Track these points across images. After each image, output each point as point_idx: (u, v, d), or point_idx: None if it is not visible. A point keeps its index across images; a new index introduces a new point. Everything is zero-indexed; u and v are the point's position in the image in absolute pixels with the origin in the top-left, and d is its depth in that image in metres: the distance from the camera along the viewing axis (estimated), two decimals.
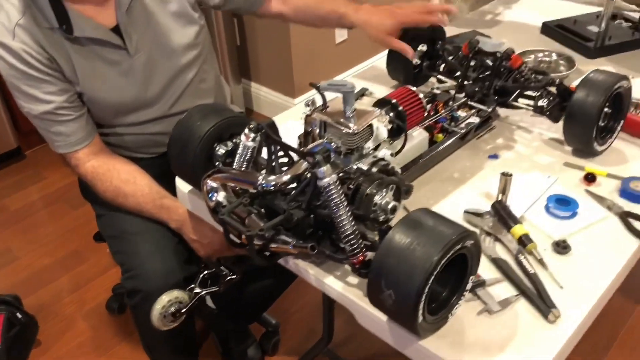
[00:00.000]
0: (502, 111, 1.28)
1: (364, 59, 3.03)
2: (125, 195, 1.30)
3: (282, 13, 1.46)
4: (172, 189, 1.23)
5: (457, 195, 1.08)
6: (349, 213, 0.84)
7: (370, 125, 0.97)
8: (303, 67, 2.72)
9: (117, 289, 1.97)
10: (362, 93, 1.39)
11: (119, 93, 1.31)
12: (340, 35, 2.83)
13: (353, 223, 0.84)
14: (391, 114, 1.03)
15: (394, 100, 1.04)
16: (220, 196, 0.94)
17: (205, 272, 0.87)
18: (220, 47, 2.65)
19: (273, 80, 2.80)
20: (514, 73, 1.21)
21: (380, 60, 1.49)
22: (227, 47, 2.65)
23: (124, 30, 1.26)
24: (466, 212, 1.02)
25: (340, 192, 0.83)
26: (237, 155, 0.96)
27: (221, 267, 0.88)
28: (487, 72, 1.21)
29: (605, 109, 1.15)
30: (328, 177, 0.82)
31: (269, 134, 0.91)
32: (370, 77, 1.50)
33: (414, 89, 1.07)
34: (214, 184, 0.94)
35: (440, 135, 1.15)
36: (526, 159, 1.17)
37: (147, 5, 1.28)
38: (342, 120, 0.95)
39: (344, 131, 0.94)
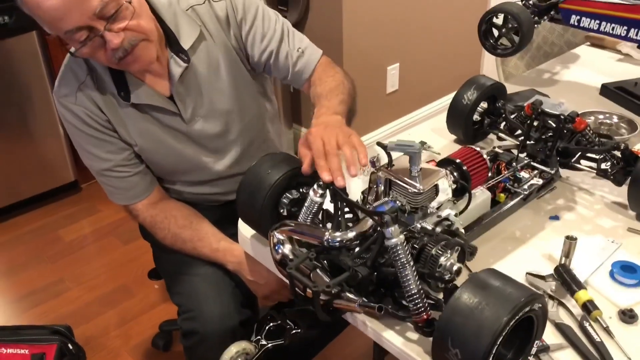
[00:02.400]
0: (563, 172, 1.27)
1: (413, 109, 3.04)
2: (183, 241, 1.34)
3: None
4: (230, 232, 1.25)
5: (518, 256, 1.08)
6: (415, 272, 0.85)
7: (435, 185, 0.98)
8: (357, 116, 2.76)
9: (164, 327, 2.00)
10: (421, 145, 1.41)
11: (175, 157, 1.35)
12: (391, 85, 2.87)
13: (418, 282, 0.85)
14: (455, 174, 1.04)
15: (458, 160, 1.06)
16: (287, 249, 0.95)
17: (271, 324, 0.89)
18: (274, 93, 2.72)
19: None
20: (577, 135, 1.21)
21: (436, 117, 1.52)
22: (281, 93, 2.72)
23: (178, 99, 1.29)
24: (528, 274, 1.01)
25: (407, 252, 0.84)
26: (304, 209, 0.99)
27: (287, 321, 0.90)
28: (550, 133, 1.22)
29: None
30: (396, 237, 0.84)
31: (337, 191, 0.93)
32: (428, 130, 1.52)
33: (477, 149, 1.08)
34: (281, 236, 0.96)
35: (502, 195, 1.15)
36: (588, 221, 1.16)
37: (200, 73, 1.29)
38: (407, 179, 0.96)
39: (409, 190, 0.96)
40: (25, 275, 2.37)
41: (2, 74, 2.41)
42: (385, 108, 2.92)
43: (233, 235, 1.26)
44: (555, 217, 1.17)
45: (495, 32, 1.65)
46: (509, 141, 1.33)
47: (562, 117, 1.20)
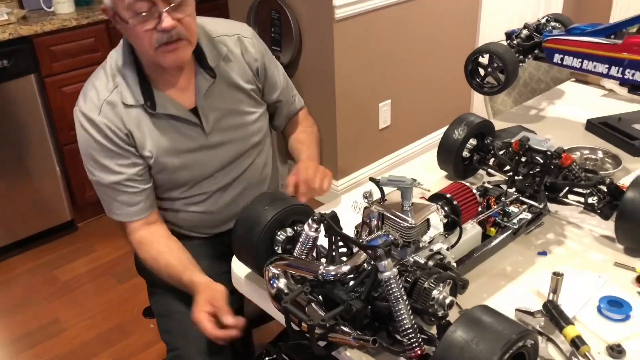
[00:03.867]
0: (551, 206, 1.30)
1: (405, 144, 3.11)
2: (159, 266, 1.36)
3: (285, 135, 1.66)
4: (222, 270, 1.27)
5: (509, 291, 1.10)
6: (408, 306, 0.87)
7: (427, 220, 1.01)
8: (347, 151, 2.81)
9: None
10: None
11: (190, 165, 1.41)
12: (384, 121, 2.93)
13: (412, 317, 0.87)
14: (446, 208, 1.07)
15: (448, 195, 1.09)
16: (282, 283, 0.98)
17: (267, 358, 0.90)
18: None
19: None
20: (564, 171, 1.25)
21: (427, 153, 1.55)
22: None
23: (201, 112, 1.39)
24: (517, 310, 1.03)
25: (400, 285, 0.87)
26: (299, 244, 1.01)
27: (282, 355, 0.91)
28: (537, 169, 1.25)
29: None
30: (389, 270, 0.86)
31: (331, 224, 0.96)
32: (419, 166, 1.55)
33: (467, 184, 1.12)
34: (276, 271, 0.98)
35: (493, 230, 1.18)
36: (577, 256, 1.19)
37: (222, 90, 1.41)
38: (400, 213, 0.99)
39: (402, 224, 0.98)
40: (21, 317, 2.36)
41: (1, 115, 2.44)
42: (378, 144, 2.97)
43: (226, 273, 1.28)
44: (544, 253, 1.19)
45: (482, 71, 1.71)
46: (498, 177, 1.36)
47: (548, 153, 1.23)
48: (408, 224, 0.98)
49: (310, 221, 0.99)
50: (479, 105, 3.23)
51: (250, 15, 2.80)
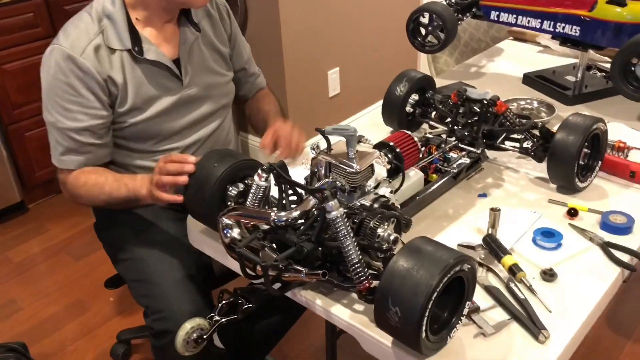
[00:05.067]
0: (491, 153, 1.37)
1: (355, 111, 3.14)
2: (99, 187, 1.36)
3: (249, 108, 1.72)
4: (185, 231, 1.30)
5: (452, 231, 1.17)
6: (355, 243, 0.92)
7: (371, 165, 1.06)
8: (298, 120, 2.84)
9: (122, 336, 2.01)
10: (359, 140, 1.49)
11: (163, 116, 1.43)
12: (333, 89, 2.97)
13: (359, 252, 0.92)
14: (390, 156, 1.13)
15: (391, 143, 1.14)
16: (235, 232, 1.02)
17: (224, 301, 0.94)
18: None
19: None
20: (500, 118, 1.32)
21: (373, 112, 1.61)
22: None
23: (183, 64, 1.43)
24: (459, 245, 1.10)
25: (347, 224, 0.92)
26: (250, 194, 1.05)
27: (239, 297, 0.95)
28: (475, 118, 1.32)
29: (585, 149, 1.26)
30: (336, 210, 0.91)
31: (281, 173, 1.00)
32: (366, 125, 1.60)
33: (409, 132, 1.17)
34: (229, 221, 1.02)
35: (435, 175, 1.25)
36: (514, 196, 1.26)
37: (203, 47, 1.48)
38: (345, 161, 1.04)
39: (347, 171, 1.03)
40: None
41: None
42: (328, 111, 3.01)
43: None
44: (484, 195, 1.27)
45: (423, 31, 1.77)
46: (440, 129, 1.43)
47: (484, 101, 1.30)
48: (353, 170, 1.03)
49: (259, 171, 1.03)
50: (425, 68, 3.30)
51: None
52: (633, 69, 1.41)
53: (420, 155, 1.20)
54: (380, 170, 1.08)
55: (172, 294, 1.31)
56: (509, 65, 1.93)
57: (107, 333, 2.11)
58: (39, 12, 2.53)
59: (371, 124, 1.58)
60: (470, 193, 1.28)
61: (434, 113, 1.46)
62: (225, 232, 1.02)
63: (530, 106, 1.60)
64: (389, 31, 3.19)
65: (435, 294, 0.81)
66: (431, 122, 1.45)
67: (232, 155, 1.14)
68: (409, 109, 1.47)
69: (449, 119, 1.41)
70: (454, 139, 1.32)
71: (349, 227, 0.92)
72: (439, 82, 1.82)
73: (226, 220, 1.02)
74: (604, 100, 1.66)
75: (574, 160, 1.19)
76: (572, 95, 1.66)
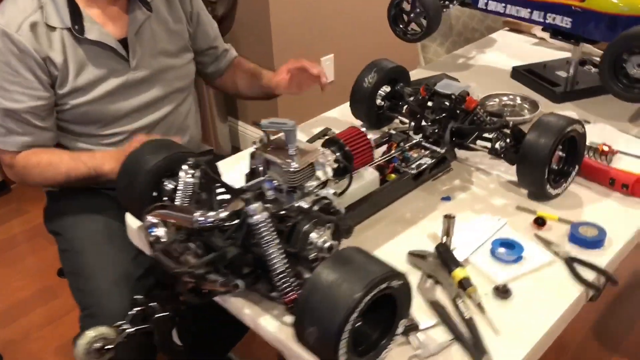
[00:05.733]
0: (462, 153, 1.27)
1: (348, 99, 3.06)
2: (55, 167, 1.31)
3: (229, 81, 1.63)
4: None
5: (406, 237, 1.07)
6: (281, 251, 0.83)
7: (312, 164, 0.97)
8: (288, 106, 2.74)
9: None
10: (325, 133, 1.40)
11: (107, 99, 1.35)
12: (327, 75, 2.86)
13: (286, 261, 0.84)
14: (338, 154, 1.03)
15: (341, 140, 1.05)
16: (161, 232, 0.93)
17: (135, 309, 0.86)
18: (208, 86, 2.69)
19: (258, 119, 2.83)
20: (470, 116, 1.21)
21: (345, 104, 1.51)
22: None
23: (130, 45, 1.34)
24: (410, 253, 1.01)
25: (272, 229, 0.83)
26: (179, 192, 0.97)
27: (151, 304, 0.87)
28: (443, 114, 1.22)
29: (560, 153, 1.15)
30: (259, 214, 0.82)
31: (207, 170, 0.92)
32: (336, 117, 1.51)
33: (363, 129, 1.08)
34: (154, 220, 0.94)
35: (393, 176, 1.15)
36: (480, 201, 1.16)
37: (155, 27, 1.39)
38: (284, 158, 0.95)
39: (285, 169, 0.94)
40: None
41: None
42: (322, 98, 2.90)
43: None
44: (447, 198, 1.17)
45: (406, 18, 1.66)
46: (409, 125, 1.33)
47: (453, 97, 1.20)
48: (292, 169, 0.94)
49: (184, 167, 0.94)
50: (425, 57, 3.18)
51: None
52: (624, 65, 1.30)
53: (375, 153, 1.10)
54: (326, 170, 0.99)
55: (105, 291, 1.24)
56: (500, 57, 1.82)
57: (74, 321, 2.04)
58: None
59: (341, 116, 1.49)
60: (433, 195, 1.18)
61: (405, 107, 1.36)
62: (150, 231, 0.94)
63: (513, 102, 1.49)
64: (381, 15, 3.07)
65: (355, 314, 0.72)
66: (401, 117, 1.34)
67: (168, 146, 1.05)
68: (379, 101, 1.38)
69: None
70: (420, 135, 1.22)
71: (273, 233, 0.83)
72: (423, 73, 1.72)
73: (151, 219, 0.94)
74: (595, 99, 1.54)
75: (545, 165, 1.08)
76: (561, 92, 1.55)
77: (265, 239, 0.82)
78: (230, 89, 1.66)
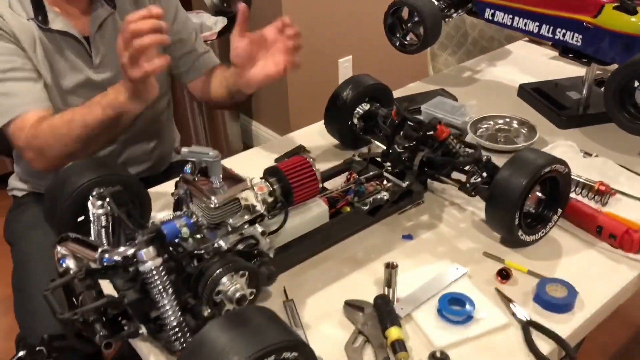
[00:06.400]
0: (437, 185, 1.15)
1: None
2: (68, 122, 1.16)
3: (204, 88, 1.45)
4: None
5: (350, 281, 0.96)
6: (175, 302, 0.74)
7: (237, 199, 0.87)
8: (300, 106, 2.64)
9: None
10: (298, 151, 1.30)
11: (70, 100, 1.28)
12: (343, 76, 2.74)
13: (179, 313, 0.75)
14: (276, 186, 0.93)
15: (281, 171, 0.94)
16: (71, 264, 0.86)
17: (20, 354, 0.79)
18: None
19: (270, 118, 2.75)
20: (443, 145, 1.08)
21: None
22: None
23: (92, 42, 1.28)
24: (347, 303, 0.90)
25: (164, 278, 0.74)
26: (91, 224, 0.89)
27: (39, 350, 0.80)
28: (414, 142, 1.10)
29: (539, 194, 1.01)
30: (149, 260, 0.73)
31: (113, 205, 0.83)
32: (315, 132, 1.40)
33: (309, 159, 0.97)
34: (64, 252, 0.86)
35: (347, 208, 1.04)
36: (445, 242, 1.04)
37: (118, 26, 1.29)
38: (205, 191, 0.85)
39: (206, 204, 0.85)
40: None
41: None
42: None
43: None
44: (409, 237, 1.05)
45: (404, 27, 1.53)
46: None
47: (424, 125, 1.07)
48: (212, 204, 0.84)
49: (91, 198, 0.86)
50: None
51: None
52: (633, 93, 1.14)
53: (333, 182, 0.99)
54: (256, 205, 0.89)
55: (40, 313, 1.18)
56: (511, 72, 1.66)
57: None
58: None
59: (318, 133, 1.37)
60: (394, 232, 1.06)
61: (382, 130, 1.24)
62: (60, 262, 0.86)
63: (508, 127, 1.34)
64: None
65: None
66: (375, 141, 1.22)
67: (98, 167, 0.97)
68: (356, 121, 1.26)
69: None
70: (388, 164, 1.11)
71: (166, 282, 0.74)
72: (423, 86, 1.59)
73: (61, 250, 0.86)
74: (606, 126, 1.37)
75: (515, 207, 0.95)
76: (568, 117, 1.39)
77: (157, 289, 0.74)
78: (200, 94, 1.48)
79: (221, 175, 0.86)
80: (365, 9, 2.67)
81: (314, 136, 1.37)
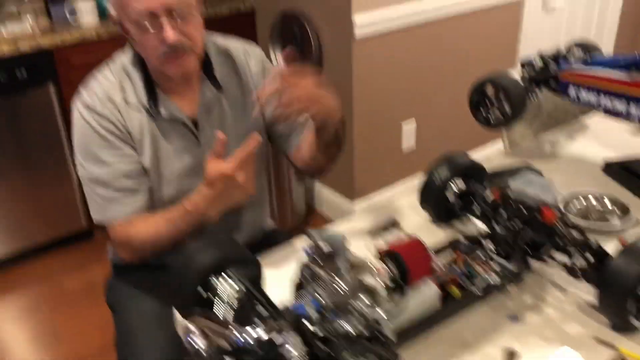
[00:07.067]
0: (535, 263, 1.16)
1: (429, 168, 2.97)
2: (155, 229, 1.29)
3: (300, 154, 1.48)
4: None
5: None
6: None
7: (363, 281, 0.90)
8: (366, 171, 2.70)
9: None
10: (390, 225, 1.34)
11: (180, 178, 1.36)
12: (407, 141, 2.80)
13: None
14: (393, 269, 0.96)
15: (398, 253, 0.98)
16: (199, 342, 0.89)
17: None
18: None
19: (334, 180, 2.80)
20: (549, 228, 1.10)
21: (413, 192, 1.43)
22: None
23: (200, 123, 1.36)
24: None
25: None
26: (219, 300, 0.93)
27: None
28: (518, 223, 1.12)
29: None
30: (293, 349, 0.76)
31: (249, 289, 0.87)
32: (405, 206, 1.43)
33: (422, 242, 1.00)
34: (193, 328, 0.90)
35: (456, 289, 1.05)
36: (552, 326, 1.04)
37: (225, 105, 1.39)
38: (332, 274, 0.89)
39: (333, 287, 0.88)
40: (24, 324, 2.37)
41: (19, 123, 2.48)
42: (402, 165, 2.84)
43: None
44: (514, 318, 1.06)
45: (489, 103, 1.57)
46: (480, 226, 1.23)
47: (530, 207, 1.10)
48: (339, 287, 0.87)
49: (224, 275, 0.90)
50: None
51: (273, 32, 2.75)
52: None
53: (435, 266, 1.02)
54: (377, 288, 0.92)
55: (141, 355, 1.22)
56: (592, 147, 1.68)
57: None
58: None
59: (409, 206, 1.41)
60: (498, 312, 1.07)
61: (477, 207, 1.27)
62: (188, 338, 0.90)
63: (600, 205, 1.35)
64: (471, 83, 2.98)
65: None
66: (473, 218, 1.25)
67: (219, 244, 1.02)
68: (452, 197, 1.29)
69: None
70: (490, 244, 1.13)
71: None
72: (504, 160, 1.61)
73: (190, 327, 0.90)
74: None
75: (631, 296, 0.95)
76: None
77: None
78: (300, 163, 1.50)
79: (346, 258, 0.89)
80: (426, 74, 2.75)
81: (401, 208, 1.40)
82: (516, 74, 1.59)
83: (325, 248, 0.91)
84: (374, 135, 2.65)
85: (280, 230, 1.68)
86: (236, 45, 1.43)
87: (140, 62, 1.32)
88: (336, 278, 0.88)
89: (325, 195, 2.87)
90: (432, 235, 1.23)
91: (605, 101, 1.45)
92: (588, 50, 1.66)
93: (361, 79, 2.51)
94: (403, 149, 2.80)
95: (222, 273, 0.92)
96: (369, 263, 0.92)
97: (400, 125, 2.75)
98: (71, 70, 2.50)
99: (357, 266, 0.91)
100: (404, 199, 1.46)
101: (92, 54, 2.52)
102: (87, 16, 2.54)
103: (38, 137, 2.54)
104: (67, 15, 2.56)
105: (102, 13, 2.63)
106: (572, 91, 1.51)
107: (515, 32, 3.02)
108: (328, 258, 0.92)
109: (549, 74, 1.54)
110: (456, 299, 1.03)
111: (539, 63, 1.57)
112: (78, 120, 1.31)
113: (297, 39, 2.61)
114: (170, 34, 1.20)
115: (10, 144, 2.49)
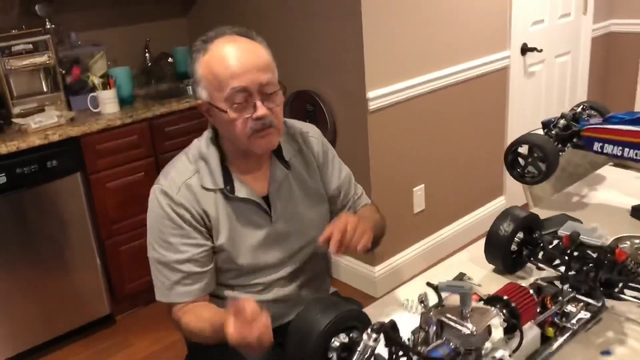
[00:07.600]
0: (607, 302, 1.27)
1: (439, 228, 3.11)
2: (199, 325, 1.36)
3: None
4: None
5: None
6: None
7: (488, 326, 0.99)
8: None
9: None
10: (460, 278, 1.44)
11: (254, 252, 1.45)
12: (418, 205, 2.94)
13: None
14: (504, 311, 1.06)
15: (505, 297, 1.07)
16: None
17: None
18: None
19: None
20: (618, 265, 1.23)
21: (472, 247, 1.54)
22: None
23: (272, 200, 1.46)
24: None
25: None
26: (357, 353, 1.00)
27: None
28: (590, 264, 1.24)
29: None
30: None
31: (391, 335, 0.95)
32: (466, 259, 1.54)
33: (523, 285, 1.10)
34: None
35: (551, 330, 1.15)
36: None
37: (292, 182, 1.50)
38: (460, 320, 0.98)
39: (462, 332, 0.97)
40: None
41: (47, 212, 2.52)
42: (414, 228, 2.97)
43: None
44: (607, 352, 1.16)
45: (522, 161, 1.73)
46: (548, 271, 1.35)
47: (602, 249, 1.22)
48: (469, 332, 0.96)
49: (369, 331, 0.98)
50: (512, 186, 3.24)
51: (286, 109, 2.89)
52: None
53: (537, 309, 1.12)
54: (497, 330, 1.01)
55: None
56: (613, 195, 1.84)
57: None
58: (142, 134, 2.69)
59: (471, 260, 1.52)
60: (589, 349, 1.17)
61: (541, 253, 1.39)
62: None
63: None
64: (475, 149, 3.19)
65: None
66: (540, 264, 1.37)
67: (336, 305, 1.10)
68: (513, 247, 1.41)
69: (557, 261, 1.33)
70: (567, 286, 1.24)
71: None
72: (539, 213, 1.75)
73: None
74: None
75: None
76: None
77: None
78: None
79: (470, 305, 0.99)
80: (431, 139, 2.93)
81: (460, 266, 1.51)
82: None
83: (451, 296, 1.00)
84: (388, 201, 2.78)
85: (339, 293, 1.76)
86: (298, 125, 1.57)
87: (217, 148, 1.42)
88: (464, 323, 0.97)
89: (345, 263, 2.96)
90: (500, 283, 1.33)
91: (629, 152, 1.62)
92: (597, 110, 1.85)
93: (376, 147, 2.66)
94: (414, 211, 2.94)
95: (371, 328, 0.99)
96: (491, 308, 1.01)
97: (411, 191, 2.90)
98: (97, 156, 2.58)
99: (479, 312, 1.00)
100: (462, 255, 1.57)
101: (115, 140, 2.61)
102: (109, 105, 2.64)
103: (64, 224, 2.57)
104: (89, 105, 2.66)
105: (122, 101, 2.74)
106: (596, 145, 1.68)
107: (503, 94, 3.27)
108: (449, 305, 1.01)
109: (574, 132, 1.72)
110: (550, 337, 1.13)
111: (562, 123, 1.75)
112: (155, 205, 1.40)
113: (310, 116, 2.76)
114: (261, 108, 1.31)
115: (37, 232, 2.51)
